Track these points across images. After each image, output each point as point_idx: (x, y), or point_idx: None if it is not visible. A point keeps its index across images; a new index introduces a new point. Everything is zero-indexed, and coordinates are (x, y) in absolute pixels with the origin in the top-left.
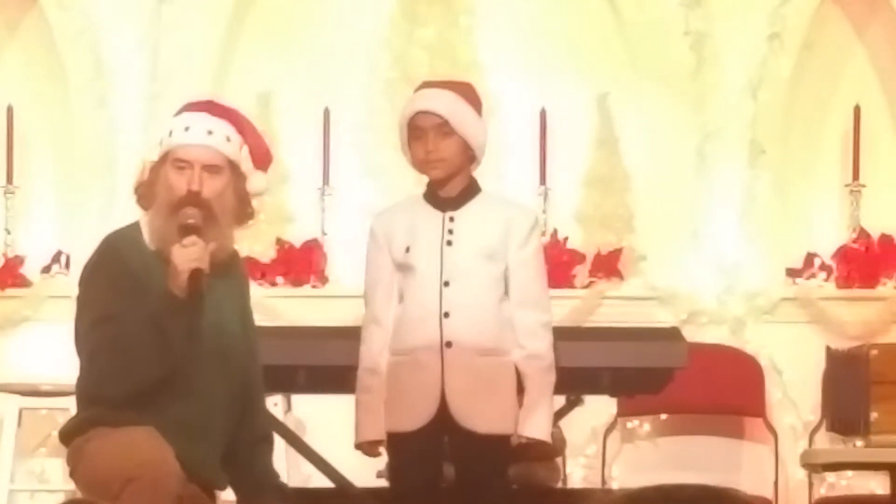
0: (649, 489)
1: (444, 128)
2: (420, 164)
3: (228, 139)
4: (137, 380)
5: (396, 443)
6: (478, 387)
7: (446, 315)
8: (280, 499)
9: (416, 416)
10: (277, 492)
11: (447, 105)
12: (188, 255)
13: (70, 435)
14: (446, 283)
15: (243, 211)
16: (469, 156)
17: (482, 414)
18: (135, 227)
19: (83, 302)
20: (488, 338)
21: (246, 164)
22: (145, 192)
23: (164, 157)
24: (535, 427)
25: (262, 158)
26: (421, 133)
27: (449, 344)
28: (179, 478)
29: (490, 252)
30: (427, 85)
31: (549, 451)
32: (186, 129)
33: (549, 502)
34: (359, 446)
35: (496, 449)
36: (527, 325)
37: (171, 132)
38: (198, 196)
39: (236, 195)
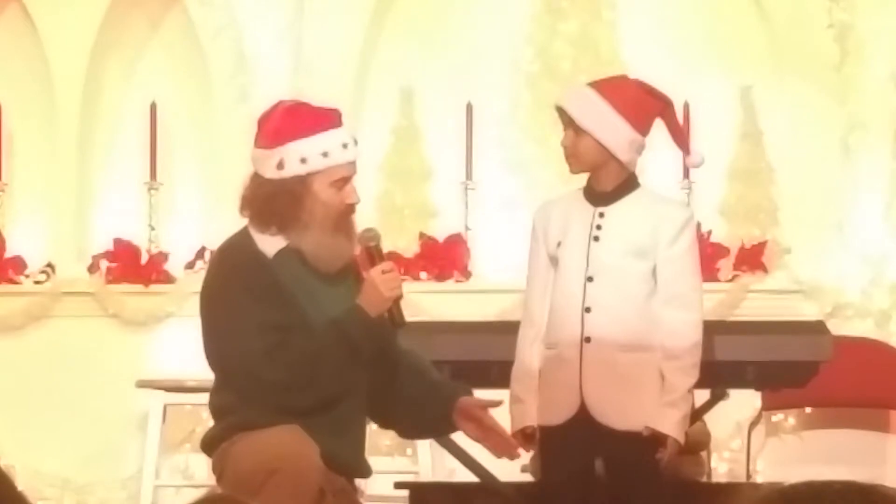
0: (800, 485)
1: (576, 125)
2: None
3: (356, 143)
4: (326, 393)
5: (545, 436)
6: (616, 383)
7: (587, 310)
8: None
9: (559, 411)
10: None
11: (577, 104)
12: (391, 282)
13: (215, 441)
14: (590, 279)
15: None
16: (609, 154)
17: (620, 410)
18: (247, 238)
19: (236, 308)
20: (630, 334)
21: None
22: (278, 211)
23: (310, 178)
24: (666, 423)
25: None
26: (564, 127)
27: (588, 339)
28: (320, 470)
29: (638, 249)
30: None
31: (694, 446)
32: (344, 146)
33: (696, 497)
34: (513, 436)
35: (639, 445)
36: (669, 323)
37: (325, 153)
38: (354, 207)
39: None
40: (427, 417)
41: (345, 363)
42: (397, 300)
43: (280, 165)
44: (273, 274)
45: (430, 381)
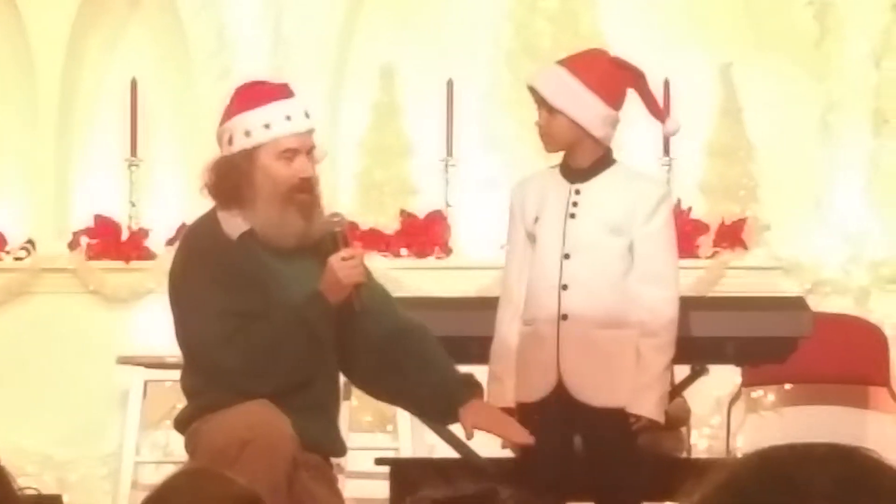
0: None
1: (548, 104)
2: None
3: (308, 116)
4: (285, 379)
5: (523, 413)
6: (593, 360)
7: (564, 287)
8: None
9: (536, 388)
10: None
11: (548, 83)
12: (349, 269)
13: (186, 421)
14: (566, 256)
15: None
16: (583, 131)
17: (597, 387)
18: (213, 220)
19: (196, 294)
20: (607, 311)
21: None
22: (231, 188)
23: (256, 151)
24: (644, 405)
25: None
26: (538, 107)
27: (565, 317)
28: (294, 440)
29: (614, 225)
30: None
31: (674, 422)
32: (288, 118)
33: (675, 472)
34: None
35: (617, 421)
36: (645, 300)
37: (267, 125)
38: (309, 182)
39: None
40: (432, 409)
41: (304, 349)
42: (357, 287)
43: (230, 141)
44: (235, 258)
45: (439, 374)
